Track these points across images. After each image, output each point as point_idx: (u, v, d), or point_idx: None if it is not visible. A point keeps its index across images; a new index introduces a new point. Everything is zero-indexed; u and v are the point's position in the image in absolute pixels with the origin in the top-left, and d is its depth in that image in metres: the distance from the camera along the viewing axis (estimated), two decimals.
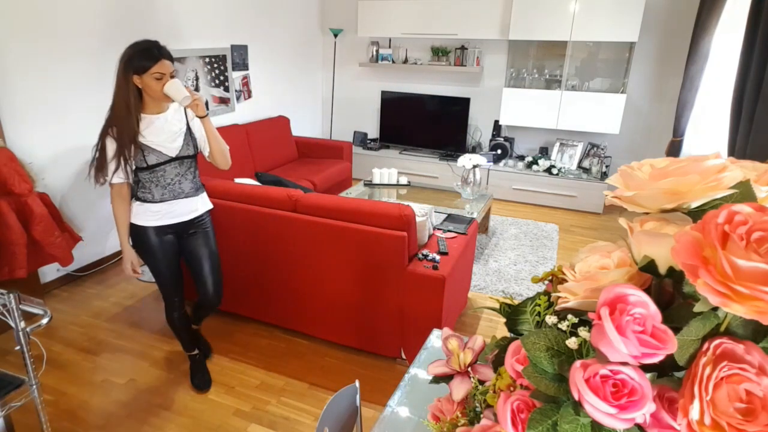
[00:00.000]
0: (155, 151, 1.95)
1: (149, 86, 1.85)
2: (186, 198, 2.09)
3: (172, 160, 1.99)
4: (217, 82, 4.41)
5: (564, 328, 0.52)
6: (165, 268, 2.15)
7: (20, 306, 1.61)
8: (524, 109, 5.00)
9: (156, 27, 3.70)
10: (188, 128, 2.05)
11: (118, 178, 1.95)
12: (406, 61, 5.63)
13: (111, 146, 1.90)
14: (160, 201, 2.03)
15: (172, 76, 1.87)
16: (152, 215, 2.04)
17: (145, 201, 2.03)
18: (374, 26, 5.38)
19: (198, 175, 2.15)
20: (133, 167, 1.96)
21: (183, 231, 2.14)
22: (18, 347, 1.65)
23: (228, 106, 4.59)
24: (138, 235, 2.07)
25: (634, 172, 0.54)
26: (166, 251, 2.12)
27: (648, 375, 0.45)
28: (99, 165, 1.93)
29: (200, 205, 2.17)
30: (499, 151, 5.25)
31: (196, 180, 2.14)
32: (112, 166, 1.91)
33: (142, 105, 1.93)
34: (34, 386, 1.73)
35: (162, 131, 1.96)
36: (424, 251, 2.48)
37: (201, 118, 1.98)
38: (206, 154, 2.10)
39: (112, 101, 1.88)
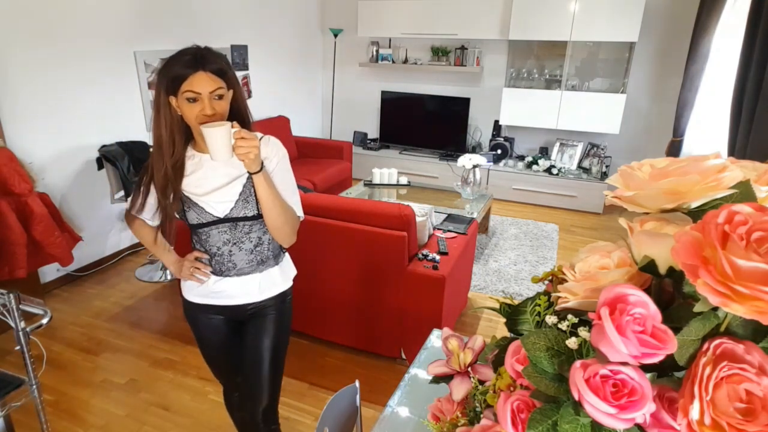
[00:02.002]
0: (196, 207, 1.37)
1: (182, 111, 1.26)
2: (237, 276, 1.45)
3: (219, 221, 1.38)
4: None
5: (564, 328, 0.52)
6: (214, 356, 1.61)
7: (20, 306, 1.61)
8: (524, 109, 5.00)
9: (156, 28, 3.70)
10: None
11: (144, 214, 1.45)
12: (406, 61, 5.63)
13: (144, 189, 1.41)
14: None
15: (218, 97, 1.25)
16: (197, 288, 1.49)
17: None
18: (374, 26, 5.38)
19: (268, 243, 1.46)
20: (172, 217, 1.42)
21: (237, 314, 1.52)
22: (18, 347, 1.65)
23: None
24: (184, 308, 1.56)
25: (634, 172, 0.54)
26: (215, 334, 1.55)
27: (648, 375, 0.45)
28: (132, 204, 1.44)
29: (262, 285, 1.49)
30: (499, 151, 5.26)
31: (261, 251, 1.45)
32: (145, 202, 1.42)
33: (194, 140, 1.37)
34: (34, 386, 1.73)
35: (211, 178, 1.36)
36: (424, 251, 2.48)
37: (252, 174, 1.30)
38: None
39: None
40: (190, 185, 1.37)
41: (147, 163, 1.39)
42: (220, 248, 1.42)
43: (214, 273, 1.46)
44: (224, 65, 1.26)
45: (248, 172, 1.29)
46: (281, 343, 1.57)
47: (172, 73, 1.22)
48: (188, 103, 1.23)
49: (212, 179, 1.37)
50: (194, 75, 1.21)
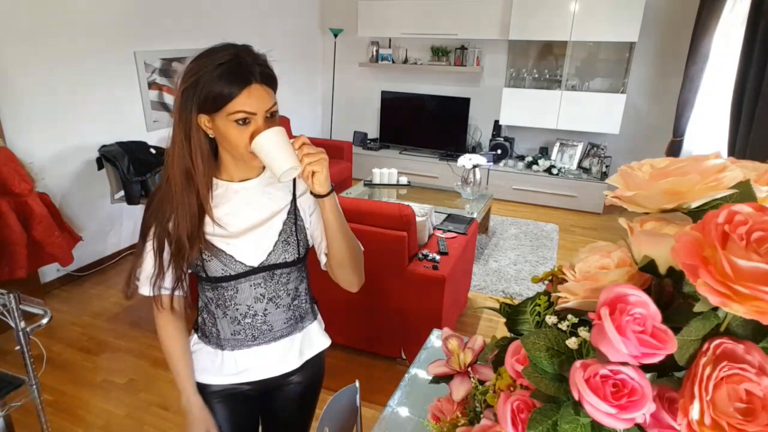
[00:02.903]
0: (222, 255, 1.05)
1: (225, 135, 0.95)
2: (274, 341, 1.15)
3: (252, 271, 1.07)
4: None
5: (564, 328, 0.52)
6: None
7: (20, 306, 1.61)
8: (524, 109, 5.00)
9: (156, 28, 3.70)
10: (294, 210, 1.10)
11: (160, 287, 1.08)
12: (406, 61, 5.63)
13: (156, 244, 1.05)
14: (229, 347, 1.13)
15: (271, 115, 0.97)
16: (212, 367, 1.15)
17: (204, 336, 1.17)
18: (374, 26, 5.38)
19: (305, 293, 1.20)
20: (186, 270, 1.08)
21: (265, 387, 1.21)
22: (18, 347, 1.65)
23: None
24: None
25: (634, 172, 0.54)
26: (232, 421, 1.21)
27: (648, 375, 0.45)
28: (133, 271, 1.12)
29: (303, 347, 1.21)
30: (499, 151, 5.26)
31: (299, 304, 1.18)
32: (151, 268, 1.07)
33: (218, 164, 1.06)
34: (34, 386, 1.73)
35: (244, 214, 1.06)
36: (424, 251, 2.48)
37: (318, 197, 0.99)
38: (322, 260, 1.14)
39: (165, 161, 1.01)
40: (214, 224, 1.04)
41: (150, 212, 1.05)
42: (252, 307, 1.10)
43: (242, 345, 1.13)
44: (271, 69, 0.98)
45: (315, 194, 0.98)
46: (313, 408, 1.34)
47: (214, 89, 0.91)
48: (237, 126, 0.93)
49: (245, 215, 1.05)
50: (248, 89, 0.92)
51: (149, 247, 1.06)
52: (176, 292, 1.08)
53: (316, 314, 1.26)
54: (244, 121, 0.93)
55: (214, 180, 1.05)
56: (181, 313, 1.15)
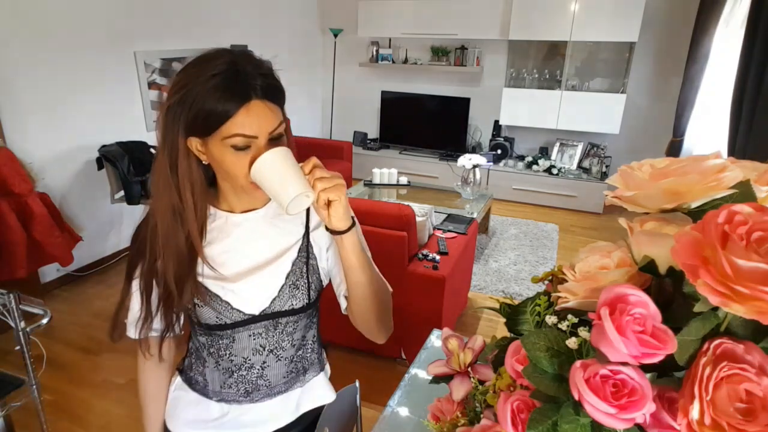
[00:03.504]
0: (216, 301, 0.89)
1: (220, 163, 0.79)
2: (268, 398, 0.98)
3: (252, 320, 0.91)
4: None
5: (564, 328, 0.52)
6: None
7: (20, 306, 1.61)
8: (524, 109, 5.01)
9: (156, 27, 3.70)
10: (306, 245, 0.94)
11: (148, 329, 0.94)
12: (406, 61, 5.63)
13: (142, 285, 0.90)
14: (216, 399, 0.98)
15: (275, 138, 0.81)
16: (194, 418, 1.00)
17: (189, 383, 1.02)
18: (374, 26, 5.38)
19: (312, 341, 1.05)
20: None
21: None
22: (18, 347, 1.65)
23: None
24: None
25: (634, 172, 0.54)
26: None
27: (648, 375, 0.45)
28: (118, 313, 0.97)
29: (302, 400, 1.03)
30: (499, 151, 5.26)
31: (304, 355, 1.02)
32: (138, 311, 0.93)
33: (216, 192, 0.91)
34: (34, 386, 1.73)
35: (244, 252, 0.90)
36: (424, 251, 2.48)
37: (337, 234, 0.81)
38: (342, 304, 0.98)
39: (151, 195, 0.84)
40: (208, 265, 0.87)
41: (136, 249, 0.89)
42: (249, 359, 0.93)
43: (232, 399, 0.96)
44: (277, 80, 0.83)
45: (331, 230, 0.81)
46: None
47: (205, 106, 0.73)
48: (235, 152, 0.76)
49: (247, 253, 0.89)
50: (247, 107, 0.75)
51: (135, 287, 0.91)
52: (167, 334, 0.95)
53: (323, 364, 1.08)
54: (244, 147, 0.76)
55: (212, 209, 0.89)
56: (169, 364, 1.02)
